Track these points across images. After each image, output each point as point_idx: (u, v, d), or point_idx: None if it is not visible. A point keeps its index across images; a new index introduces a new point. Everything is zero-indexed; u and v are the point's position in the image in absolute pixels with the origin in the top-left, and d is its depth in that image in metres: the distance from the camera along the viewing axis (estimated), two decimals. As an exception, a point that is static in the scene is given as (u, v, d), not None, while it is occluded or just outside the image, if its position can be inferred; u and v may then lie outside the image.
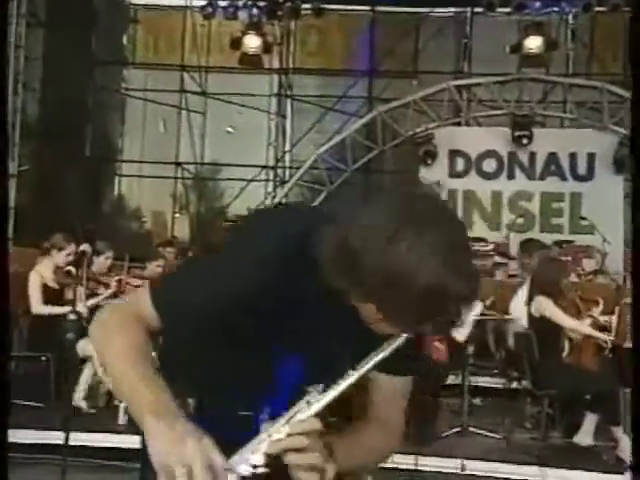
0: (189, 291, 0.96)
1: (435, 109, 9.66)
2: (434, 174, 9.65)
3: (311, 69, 11.02)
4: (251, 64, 9.79)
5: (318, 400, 0.88)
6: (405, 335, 0.92)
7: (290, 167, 10.96)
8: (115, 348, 0.93)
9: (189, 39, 10.86)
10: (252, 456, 0.84)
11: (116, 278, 4.97)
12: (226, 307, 0.97)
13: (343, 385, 0.90)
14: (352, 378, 0.91)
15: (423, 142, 9.53)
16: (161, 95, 10.77)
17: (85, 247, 4.56)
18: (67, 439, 2.94)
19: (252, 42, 9.62)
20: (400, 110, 9.85)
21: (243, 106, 10.64)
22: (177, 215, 10.65)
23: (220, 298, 0.96)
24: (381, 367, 0.95)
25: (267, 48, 9.89)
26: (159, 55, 11.10)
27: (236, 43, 9.70)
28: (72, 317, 3.11)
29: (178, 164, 10.87)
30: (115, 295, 4.79)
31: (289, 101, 11.10)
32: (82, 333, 3.47)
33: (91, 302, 4.66)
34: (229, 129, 11.03)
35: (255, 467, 0.84)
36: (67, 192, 8.66)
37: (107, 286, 4.85)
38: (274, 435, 0.86)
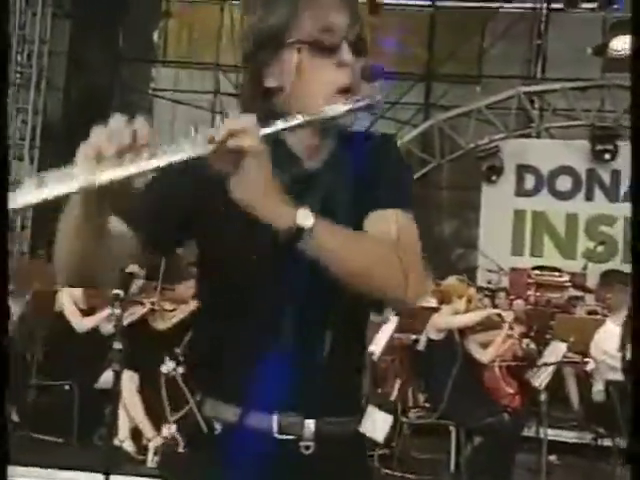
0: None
1: (502, 119, 9.64)
2: (499, 192, 9.60)
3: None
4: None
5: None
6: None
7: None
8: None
9: (226, 35, 11.08)
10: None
11: (150, 300, 5.05)
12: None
13: None
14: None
15: (487, 156, 9.53)
16: (193, 96, 10.99)
17: (132, 268, 4.64)
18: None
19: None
20: (461, 119, 9.86)
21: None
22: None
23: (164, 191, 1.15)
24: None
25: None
26: (192, 52, 11.38)
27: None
28: (117, 346, 3.15)
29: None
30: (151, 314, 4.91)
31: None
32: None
33: (129, 320, 4.74)
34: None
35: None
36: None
37: (142, 305, 4.93)
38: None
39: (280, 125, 1.04)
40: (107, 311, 4.40)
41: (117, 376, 3.08)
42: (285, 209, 1.02)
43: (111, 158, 0.93)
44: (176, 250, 1.28)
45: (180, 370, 4.17)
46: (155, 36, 11.67)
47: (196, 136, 0.98)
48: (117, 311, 3.40)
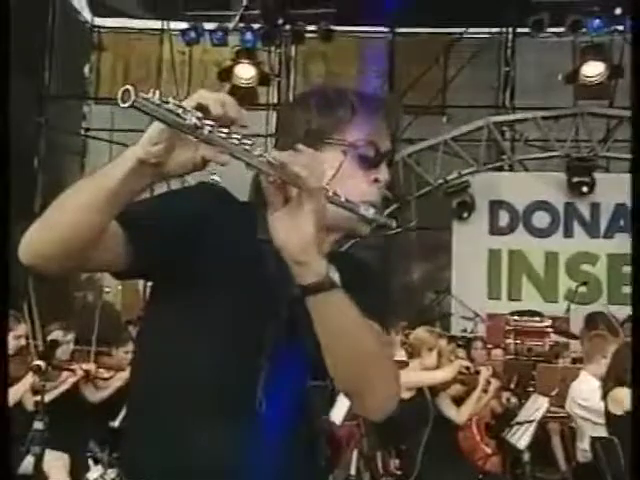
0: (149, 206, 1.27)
1: (471, 151, 9.87)
2: (472, 231, 9.75)
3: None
4: (244, 99, 10.05)
5: None
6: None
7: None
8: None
9: (166, 69, 11.19)
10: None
11: (83, 367, 4.96)
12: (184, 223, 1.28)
13: None
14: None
15: (457, 191, 9.67)
16: (131, 135, 10.99)
17: (56, 334, 4.57)
18: None
19: (245, 72, 9.93)
20: (427, 153, 10.05)
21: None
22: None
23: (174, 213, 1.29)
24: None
25: (263, 79, 10.20)
26: (128, 87, 11.47)
27: (225, 74, 10.00)
28: (39, 426, 3.05)
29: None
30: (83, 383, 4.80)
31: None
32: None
33: (55, 393, 4.64)
34: (214, 177, 11.18)
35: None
36: (12, 256, 8.74)
37: (72, 372, 4.84)
38: None
39: (330, 193, 1.19)
40: (29, 379, 4.27)
41: (38, 460, 2.99)
42: (321, 259, 1.15)
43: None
44: (146, 278, 1.39)
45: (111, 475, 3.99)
46: (86, 70, 11.71)
47: (256, 149, 1.09)
48: (38, 382, 3.30)
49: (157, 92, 1.03)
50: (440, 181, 9.73)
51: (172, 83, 10.98)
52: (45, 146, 10.63)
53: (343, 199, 1.21)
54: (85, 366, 4.93)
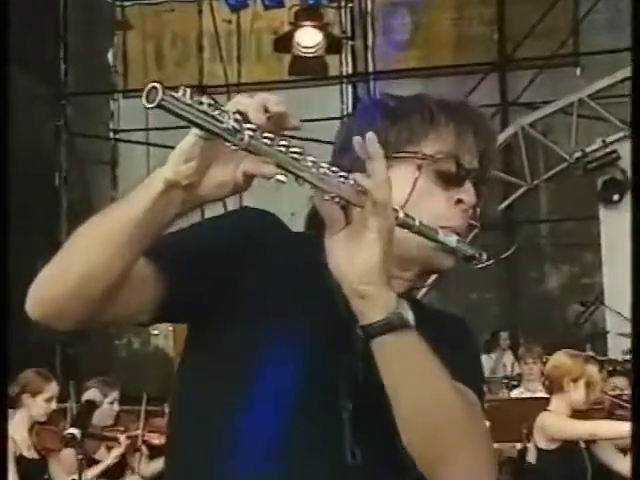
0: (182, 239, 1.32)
1: (617, 111, 9.61)
2: (626, 218, 9.45)
3: (405, 70, 11.26)
4: (309, 71, 10.12)
5: None
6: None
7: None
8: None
9: (209, 45, 11.37)
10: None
11: (128, 434, 5.07)
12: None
13: None
14: None
15: (602, 166, 9.47)
16: (170, 135, 11.20)
17: (93, 394, 4.69)
18: None
19: (309, 39, 10.00)
20: (557, 118, 9.88)
21: (304, 139, 10.95)
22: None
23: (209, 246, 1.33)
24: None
25: (333, 45, 10.26)
26: (164, 74, 11.65)
27: (283, 43, 10.15)
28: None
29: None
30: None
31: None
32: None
33: (89, 475, 4.76)
34: (280, 177, 11.27)
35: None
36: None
37: (113, 442, 4.95)
38: None
39: (401, 214, 1.24)
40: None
41: None
42: (388, 291, 1.19)
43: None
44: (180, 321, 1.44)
45: None
46: (110, 57, 12.02)
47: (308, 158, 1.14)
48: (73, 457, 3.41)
49: (188, 91, 1.06)
50: (578, 154, 9.57)
51: (217, 62, 11.19)
52: (67, 156, 10.95)
53: (417, 222, 1.24)
54: (132, 432, 5.04)
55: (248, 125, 1.09)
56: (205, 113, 1.07)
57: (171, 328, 9.94)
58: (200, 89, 11.27)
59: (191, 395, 1.41)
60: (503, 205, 9.69)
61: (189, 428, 1.39)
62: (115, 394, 5.44)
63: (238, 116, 1.09)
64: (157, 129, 10.80)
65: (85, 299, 1.19)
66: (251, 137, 1.09)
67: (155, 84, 1.05)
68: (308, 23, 9.95)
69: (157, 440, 5.05)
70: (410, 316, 1.21)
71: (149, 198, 1.14)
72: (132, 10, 12.00)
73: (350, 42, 11.25)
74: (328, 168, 1.16)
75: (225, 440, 1.33)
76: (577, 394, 4.60)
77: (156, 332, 9.08)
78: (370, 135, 1.20)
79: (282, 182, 1.12)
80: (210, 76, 11.40)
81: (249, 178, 1.14)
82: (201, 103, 1.08)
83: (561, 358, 4.84)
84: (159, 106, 1.05)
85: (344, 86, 11.43)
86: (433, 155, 1.38)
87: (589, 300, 9.82)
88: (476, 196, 1.41)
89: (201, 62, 11.50)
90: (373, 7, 11.36)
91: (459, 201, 1.38)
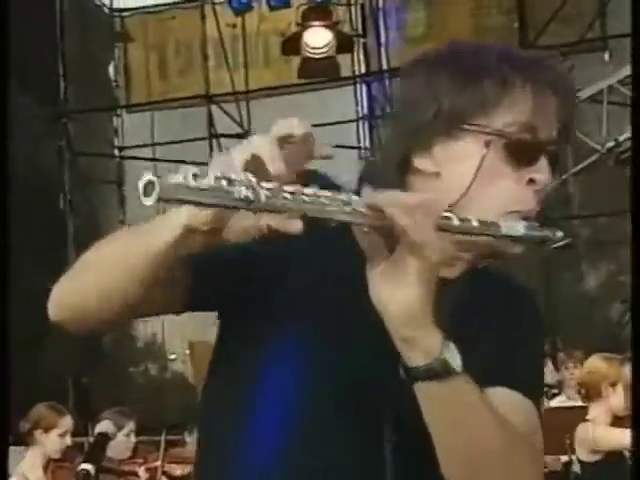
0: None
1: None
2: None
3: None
4: (320, 73, 10.10)
5: None
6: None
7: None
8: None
9: (213, 51, 11.38)
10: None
11: (146, 466, 5.06)
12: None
13: None
14: None
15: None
16: (178, 149, 11.18)
17: (106, 426, 4.68)
18: None
19: (318, 39, 10.00)
20: (586, 107, 9.75)
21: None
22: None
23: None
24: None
25: (344, 44, 10.25)
26: (168, 84, 11.74)
27: (292, 45, 10.15)
28: None
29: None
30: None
31: (390, 122, 11.36)
32: None
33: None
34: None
35: None
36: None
37: (133, 477, 4.94)
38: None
39: (455, 222, 1.17)
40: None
41: None
42: (433, 334, 1.16)
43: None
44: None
45: None
46: (111, 70, 12.05)
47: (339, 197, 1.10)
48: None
49: (189, 173, 1.00)
50: (610, 144, 9.46)
51: (224, 69, 11.18)
52: (70, 177, 10.96)
53: (475, 223, 1.18)
54: (151, 464, 5.03)
55: (265, 185, 1.03)
56: (212, 189, 1.01)
57: (188, 351, 9.93)
58: (207, 99, 11.36)
59: (216, 418, 1.41)
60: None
61: (216, 454, 1.39)
62: (131, 425, 5.44)
63: (250, 177, 1.03)
64: (165, 143, 10.84)
65: (105, 313, 1.24)
66: (269, 197, 1.03)
67: (152, 178, 0.99)
68: (317, 22, 9.94)
69: (179, 471, 5.06)
70: (457, 361, 1.16)
71: (169, 237, 1.12)
72: (132, 20, 12.02)
73: (362, 40, 11.21)
74: (360, 202, 1.10)
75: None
76: (617, 399, 4.52)
77: (173, 357, 9.06)
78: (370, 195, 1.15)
79: None
80: (216, 85, 11.40)
81: (275, 232, 1.08)
82: (203, 177, 1.01)
83: (596, 362, 4.78)
84: (160, 200, 1.00)
85: (358, 86, 11.39)
86: (504, 128, 1.28)
87: (627, 298, 9.73)
88: (551, 173, 1.31)
89: (206, 70, 11.48)
90: (385, 2, 11.33)
91: (531, 181, 1.29)
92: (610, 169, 9.62)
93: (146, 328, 11.63)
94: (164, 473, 5.11)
